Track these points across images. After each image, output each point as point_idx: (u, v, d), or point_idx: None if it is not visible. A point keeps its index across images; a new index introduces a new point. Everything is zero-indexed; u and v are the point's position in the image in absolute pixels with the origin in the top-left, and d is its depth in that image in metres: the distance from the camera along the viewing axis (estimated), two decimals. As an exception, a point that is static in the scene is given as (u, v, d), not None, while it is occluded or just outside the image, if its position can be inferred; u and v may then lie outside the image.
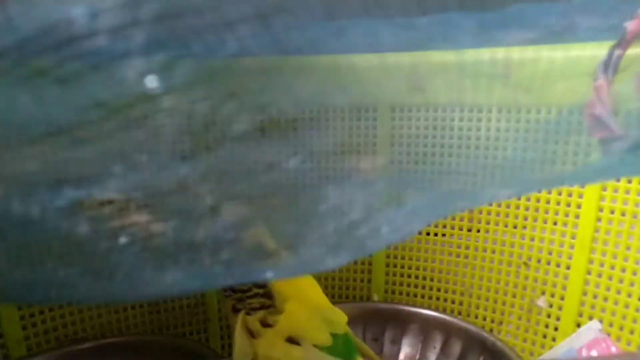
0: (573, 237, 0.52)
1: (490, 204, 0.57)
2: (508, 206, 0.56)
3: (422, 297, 0.64)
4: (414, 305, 0.63)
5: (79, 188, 0.18)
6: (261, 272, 0.22)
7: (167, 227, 0.20)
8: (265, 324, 0.46)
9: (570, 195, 0.52)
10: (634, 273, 0.48)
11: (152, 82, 0.17)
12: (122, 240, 0.19)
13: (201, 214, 0.20)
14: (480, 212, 0.58)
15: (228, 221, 0.20)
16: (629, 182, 0.48)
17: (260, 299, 0.47)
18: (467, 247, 0.60)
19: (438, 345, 0.58)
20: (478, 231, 0.59)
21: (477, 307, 0.61)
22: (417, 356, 0.58)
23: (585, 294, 0.52)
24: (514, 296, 0.57)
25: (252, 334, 0.46)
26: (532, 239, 0.55)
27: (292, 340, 0.45)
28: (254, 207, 0.21)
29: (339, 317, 0.47)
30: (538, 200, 0.54)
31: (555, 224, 0.53)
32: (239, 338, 0.47)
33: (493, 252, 0.58)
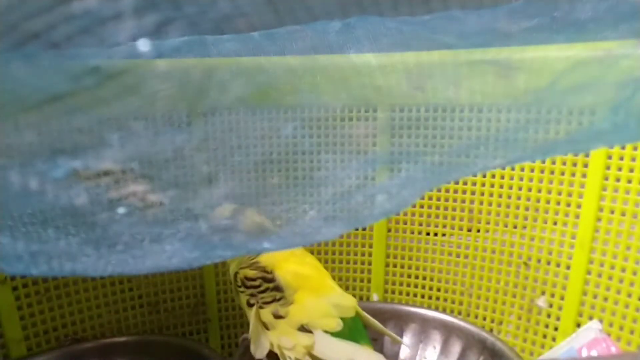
0: (573, 237, 0.52)
1: (490, 204, 0.57)
2: (508, 206, 0.56)
3: (422, 296, 0.64)
4: (414, 305, 0.63)
5: (75, 158, 0.18)
6: (258, 242, 0.22)
7: (165, 197, 0.20)
8: (278, 316, 0.48)
9: (570, 195, 0.52)
10: (634, 273, 0.48)
11: (144, 45, 0.17)
12: (121, 210, 0.19)
13: (198, 183, 0.20)
14: (480, 212, 0.58)
15: (226, 190, 0.20)
16: (629, 182, 0.48)
17: (271, 292, 0.48)
18: (467, 247, 0.60)
19: (438, 345, 0.58)
20: (478, 231, 0.59)
21: (477, 307, 0.61)
22: (417, 356, 0.58)
23: (585, 294, 0.52)
24: (514, 296, 0.57)
25: (266, 326, 0.48)
26: (532, 239, 0.55)
27: (303, 329, 0.46)
28: (251, 174, 0.21)
29: (348, 301, 0.49)
30: (538, 200, 0.54)
31: (555, 223, 0.53)
32: (255, 331, 0.49)
33: (493, 252, 0.58)
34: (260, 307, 0.49)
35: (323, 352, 0.46)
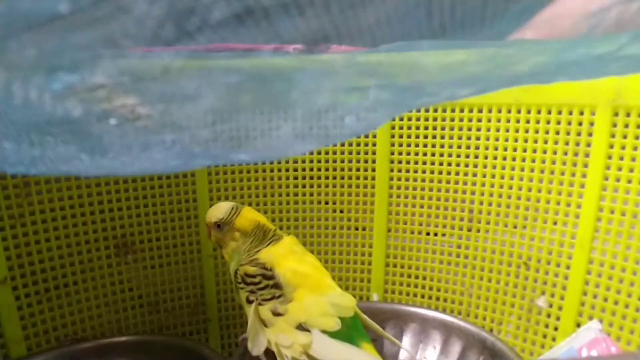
0: (573, 237, 0.52)
1: (490, 204, 0.57)
2: (508, 206, 0.56)
3: (422, 296, 0.64)
4: (414, 305, 0.63)
5: (73, 73, 0.20)
6: (236, 154, 0.25)
7: (153, 110, 0.21)
8: (276, 313, 0.48)
9: (570, 195, 0.52)
10: (634, 273, 0.48)
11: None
12: (112, 121, 0.21)
13: (183, 99, 0.22)
14: (480, 212, 0.58)
15: (208, 106, 0.22)
16: (629, 182, 0.48)
17: (270, 290, 0.48)
18: (467, 247, 0.60)
19: (438, 345, 0.58)
20: (478, 231, 0.59)
21: (477, 307, 0.61)
22: (417, 356, 0.58)
23: (585, 293, 0.52)
24: (514, 296, 0.57)
25: (264, 324, 0.48)
26: (532, 239, 0.55)
27: (301, 327, 0.46)
28: (231, 92, 0.22)
29: (347, 301, 0.49)
30: (538, 200, 0.54)
31: (555, 223, 0.53)
32: (253, 328, 0.49)
33: (493, 252, 0.58)
34: (260, 304, 0.49)
35: (320, 352, 0.46)
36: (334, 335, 0.46)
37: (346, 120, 0.24)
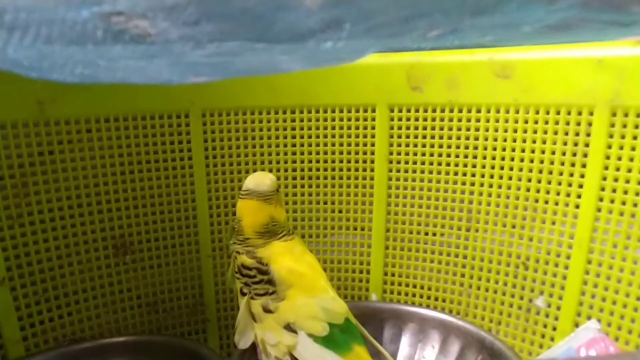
0: (571, 237, 0.52)
1: (489, 204, 0.57)
2: (506, 206, 0.56)
3: (421, 296, 0.64)
4: (413, 305, 0.63)
5: (98, 5, 0.23)
6: (233, 66, 0.29)
7: (160, 29, 0.25)
8: (267, 310, 0.48)
9: (568, 195, 0.52)
10: (632, 273, 0.48)
11: None
12: (126, 37, 0.25)
13: (184, 23, 0.25)
14: (479, 212, 0.58)
15: (206, 31, 0.25)
16: (627, 182, 0.48)
17: (264, 285, 0.48)
18: (466, 247, 0.60)
19: (437, 345, 0.58)
20: (477, 231, 0.59)
21: (476, 307, 0.61)
22: (416, 356, 0.58)
23: (583, 293, 0.52)
24: (513, 296, 0.58)
25: (254, 318, 0.48)
26: (531, 239, 0.55)
27: (289, 328, 0.46)
28: (229, 22, 0.25)
29: (338, 307, 0.48)
30: (536, 200, 0.54)
31: (553, 223, 0.53)
32: (242, 321, 0.49)
33: (492, 251, 0.58)
34: (252, 298, 0.49)
35: (303, 356, 0.45)
36: (320, 340, 0.46)
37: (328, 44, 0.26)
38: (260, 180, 0.51)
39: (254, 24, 0.25)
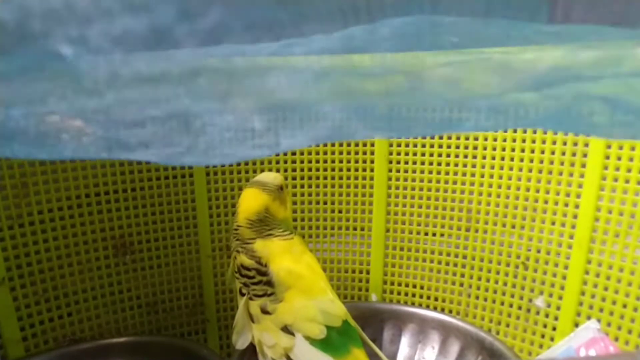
0: (571, 237, 0.52)
1: (489, 204, 0.57)
2: (506, 206, 0.56)
3: (421, 297, 0.64)
4: (412, 305, 0.63)
5: (29, 107, 0.26)
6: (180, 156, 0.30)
7: (96, 130, 0.28)
8: (265, 311, 0.47)
9: (568, 195, 0.52)
10: (632, 273, 0.48)
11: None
12: (65, 136, 0.27)
13: (119, 124, 0.28)
14: (479, 212, 0.58)
15: (148, 132, 0.28)
16: (627, 182, 0.48)
17: (263, 286, 0.48)
18: (465, 247, 0.60)
19: (436, 345, 0.58)
20: (476, 231, 0.59)
21: (476, 307, 0.61)
22: (416, 356, 0.58)
23: (583, 293, 0.52)
24: (512, 296, 0.58)
25: (252, 319, 0.48)
26: (531, 239, 0.55)
27: (286, 330, 0.46)
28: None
29: (336, 309, 0.48)
30: (536, 200, 0.54)
31: (553, 223, 0.53)
32: (241, 321, 0.49)
33: (491, 252, 0.58)
34: (251, 299, 0.48)
35: (300, 359, 0.45)
36: (317, 342, 0.46)
37: None
38: (266, 174, 0.53)
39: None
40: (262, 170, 0.63)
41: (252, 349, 0.51)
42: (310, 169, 0.64)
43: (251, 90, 0.27)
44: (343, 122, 0.28)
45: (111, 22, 0.23)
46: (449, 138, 0.58)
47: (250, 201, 0.50)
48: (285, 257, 0.49)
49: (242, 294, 0.49)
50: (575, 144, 0.51)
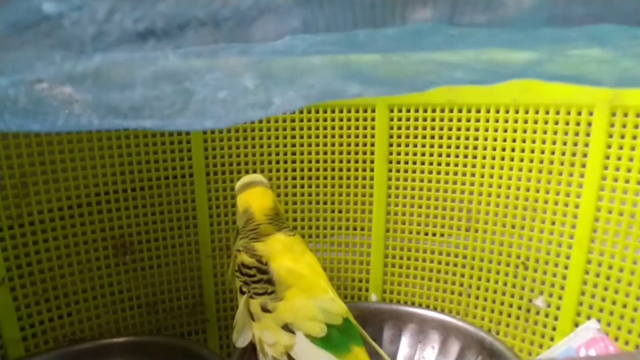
0: (571, 237, 0.52)
1: (489, 204, 0.57)
2: (506, 206, 0.56)
3: (421, 296, 0.64)
4: (412, 305, 0.63)
5: (15, 75, 0.25)
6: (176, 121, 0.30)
7: (87, 97, 0.27)
8: (266, 310, 0.48)
9: (568, 195, 0.52)
10: (632, 273, 0.48)
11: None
12: (55, 103, 0.27)
13: (107, 90, 0.27)
14: (479, 212, 0.58)
15: (138, 95, 0.27)
16: (627, 182, 0.48)
17: (263, 285, 0.48)
18: (465, 247, 0.60)
19: (436, 345, 0.58)
20: (476, 231, 0.59)
21: (476, 307, 0.61)
22: (416, 356, 0.58)
23: (583, 293, 0.52)
24: (512, 296, 0.58)
25: (252, 317, 0.48)
26: (530, 239, 0.55)
27: (287, 328, 0.46)
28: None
29: (337, 308, 0.48)
30: (536, 200, 0.54)
31: (553, 223, 0.53)
32: (241, 320, 0.49)
33: (491, 251, 0.58)
34: (251, 297, 0.48)
35: (300, 357, 0.45)
36: (318, 341, 0.46)
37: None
38: (252, 175, 0.55)
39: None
40: (262, 170, 0.63)
41: (252, 348, 0.51)
42: (310, 169, 0.64)
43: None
44: (335, 80, 0.28)
45: None
46: (449, 138, 0.58)
47: (263, 198, 0.52)
48: (286, 255, 0.49)
49: (243, 293, 0.49)
50: (575, 144, 0.51)
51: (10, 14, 0.23)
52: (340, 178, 0.64)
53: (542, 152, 0.53)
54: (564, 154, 0.52)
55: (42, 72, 0.25)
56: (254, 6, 0.23)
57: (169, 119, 0.28)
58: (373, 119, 0.61)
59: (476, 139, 0.57)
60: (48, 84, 0.26)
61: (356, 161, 0.63)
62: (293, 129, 0.62)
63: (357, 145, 0.62)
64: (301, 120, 0.62)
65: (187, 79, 0.27)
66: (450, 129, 0.58)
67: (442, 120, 0.58)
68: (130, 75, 0.26)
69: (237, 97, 0.28)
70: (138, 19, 0.23)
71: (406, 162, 0.61)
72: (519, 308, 0.57)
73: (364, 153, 0.63)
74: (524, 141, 0.54)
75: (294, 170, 0.64)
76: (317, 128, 0.62)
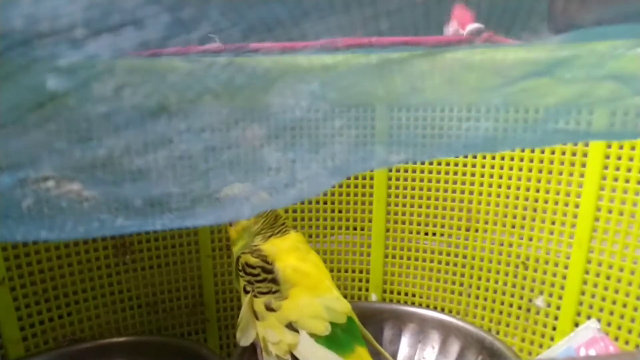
0: (571, 237, 0.52)
1: (489, 204, 0.57)
2: (506, 206, 0.56)
3: (421, 296, 0.64)
4: (412, 305, 0.63)
5: (19, 171, 0.23)
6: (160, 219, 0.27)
7: (97, 192, 0.25)
8: (270, 308, 0.48)
9: (568, 194, 0.52)
10: (632, 272, 0.48)
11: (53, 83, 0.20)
12: (63, 204, 0.24)
13: (120, 181, 0.25)
14: (479, 212, 0.58)
15: (145, 182, 0.25)
16: (627, 181, 0.48)
17: (268, 284, 0.48)
18: (465, 247, 0.60)
19: (436, 345, 0.58)
20: (476, 231, 0.59)
21: (476, 307, 0.61)
22: (416, 356, 0.58)
23: (583, 293, 0.52)
24: (512, 296, 0.58)
25: (256, 316, 0.48)
26: (531, 239, 0.55)
27: (291, 327, 0.46)
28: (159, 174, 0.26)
29: (341, 306, 0.48)
30: (536, 200, 0.54)
31: (553, 223, 0.53)
32: (244, 318, 0.49)
33: (491, 251, 0.58)
34: (255, 296, 0.49)
35: (304, 355, 0.46)
36: (322, 339, 0.46)
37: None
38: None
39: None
40: (262, 170, 0.63)
41: (252, 348, 0.51)
42: (310, 169, 0.64)
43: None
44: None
45: (99, 44, 0.21)
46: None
47: None
48: (292, 254, 0.50)
49: (247, 292, 0.50)
50: (576, 144, 0.51)
51: (11, 95, 0.22)
52: (340, 178, 0.64)
53: (542, 152, 0.53)
54: (564, 153, 0.52)
55: (47, 164, 0.23)
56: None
57: (188, 212, 0.26)
58: (373, 119, 0.61)
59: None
60: (55, 181, 0.24)
61: (356, 161, 0.63)
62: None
63: (357, 145, 0.62)
64: (301, 120, 0.62)
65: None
66: (450, 129, 0.58)
67: (442, 120, 0.58)
68: (143, 160, 0.25)
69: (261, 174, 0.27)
70: (149, 94, 0.22)
71: (406, 162, 0.61)
72: (519, 308, 0.57)
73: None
74: (524, 141, 0.54)
75: (294, 170, 0.64)
76: (317, 128, 0.62)
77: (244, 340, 0.49)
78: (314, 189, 0.28)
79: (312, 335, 0.46)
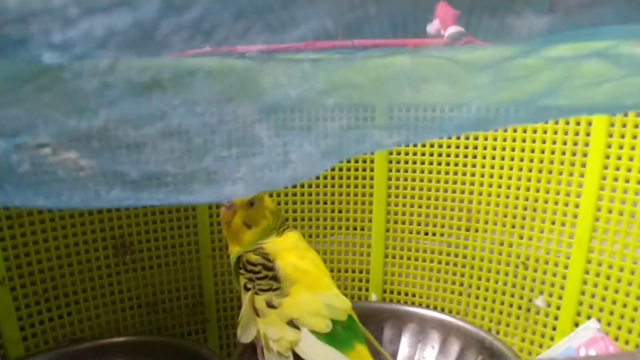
0: (571, 237, 0.52)
1: (489, 204, 0.57)
2: (506, 206, 0.56)
3: (421, 296, 0.64)
4: (412, 305, 0.63)
5: (16, 137, 0.23)
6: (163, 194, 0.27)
7: (93, 162, 0.25)
8: (271, 305, 0.48)
9: (568, 195, 0.52)
10: (632, 272, 0.48)
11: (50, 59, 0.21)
12: (60, 173, 0.24)
13: (116, 153, 0.25)
14: (479, 212, 0.58)
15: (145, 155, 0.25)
16: (627, 181, 0.48)
17: (268, 281, 0.48)
18: (465, 247, 0.60)
19: (436, 345, 0.58)
20: (476, 231, 0.59)
21: (476, 307, 0.61)
22: (416, 356, 0.58)
23: (583, 293, 0.52)
24: (512, 295, 0.58)
25: (257, 313, 0.48)
26: (531, 239, 0.55)
27: (292, 324, 0.47)
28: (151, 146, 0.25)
29: (342, 303, 0.49)
30: (536, 200, 0.54)
31: (553, 223, 0.53)
32: (245, 316, 0.49)
33: (491, 251, 0.58)
34: (256, 294, 0.49)
35: (305, 352, 0.46)
36: (323, 336, 0.46)
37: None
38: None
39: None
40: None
41: (252, 348, 0.51)
42: (310, 169, 0.64)
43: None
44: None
45: (92, 22, 0.21)
46: (449, 138, 0.58)
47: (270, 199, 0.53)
48: (292, 252, 0.50)
49: (247, 289, 0.50)
50: (575, 144, 0.51)
51: (7, 66, 0.22)
52: (341, 178, 0.64)
53: (542, 152, 0.53)
54: (564, 153, 0.52)
55: (44, 131, 0.23)
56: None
57: (184, 188, 0.26)
58: (373, 119, 0.61)
59: (476, 138, 0.57)
60: (52, 148, 0.24)
61: (356, 161, 0.63)
62: (293, 128, 0.62)
63: (357, 145, 0.62)
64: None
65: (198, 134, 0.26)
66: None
67: (442, 120, 0.58)
68: (139, 134, 0.25)
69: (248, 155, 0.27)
70: (143, 69, 0.22)
71: (406, 162, 0.61)
72: (519, 308, 0.57)
73: (364, 153, 0.63)
74: (524, 141, 0.54)
75: (294, 170, 0.64)
76: (317, 128, 0.62)
77: (245, 337, 0.49)
78: (308, 170, 0.28)
79: (313, 332, 0.46)
